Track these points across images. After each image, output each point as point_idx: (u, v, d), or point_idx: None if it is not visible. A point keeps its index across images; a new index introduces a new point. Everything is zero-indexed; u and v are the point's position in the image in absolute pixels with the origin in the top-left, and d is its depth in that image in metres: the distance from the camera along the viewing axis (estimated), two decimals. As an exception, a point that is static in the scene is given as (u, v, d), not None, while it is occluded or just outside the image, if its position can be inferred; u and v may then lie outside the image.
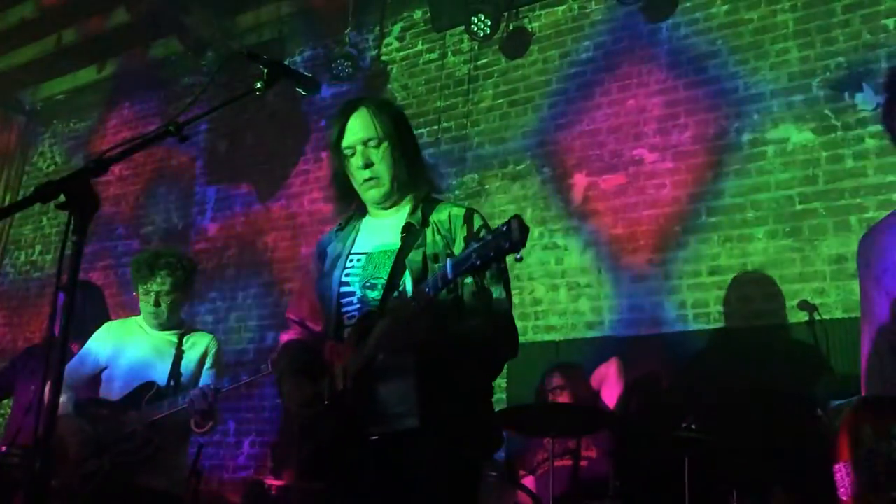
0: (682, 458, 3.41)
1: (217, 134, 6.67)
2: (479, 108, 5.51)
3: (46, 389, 1.45)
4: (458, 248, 2.15)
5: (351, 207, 2.42)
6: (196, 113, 1.95)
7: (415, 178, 2.35)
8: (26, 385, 4.13)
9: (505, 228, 1.77)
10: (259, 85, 1.89)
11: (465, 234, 2.17)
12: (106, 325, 3.66)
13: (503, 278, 2.21)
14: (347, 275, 2.27)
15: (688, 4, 4.93)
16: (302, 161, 6.19)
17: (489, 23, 5.28)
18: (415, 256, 2.16)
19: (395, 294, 2.10)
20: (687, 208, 4.60)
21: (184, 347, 3.51)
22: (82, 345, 3.58)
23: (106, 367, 3.49)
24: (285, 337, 2.48)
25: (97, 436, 3.26)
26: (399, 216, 2.31)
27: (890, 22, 4.31)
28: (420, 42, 5.95)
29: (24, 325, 7.10)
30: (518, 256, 1.79)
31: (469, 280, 2.08)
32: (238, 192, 6.43)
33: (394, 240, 2.25)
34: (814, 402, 3.34)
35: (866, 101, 4.24)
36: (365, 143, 2.27)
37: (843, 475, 2.09)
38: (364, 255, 2.28)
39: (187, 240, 6.49)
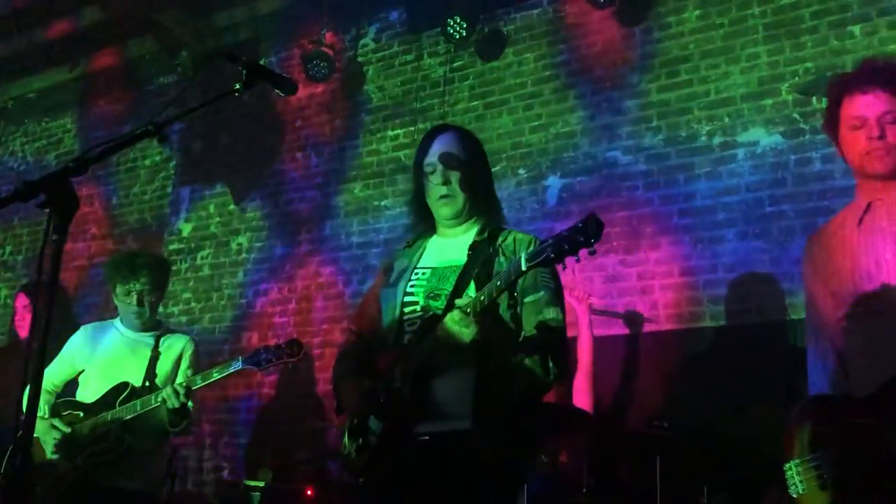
0: (653, 456, 3.46)
1: (191, 134, 6.63)
2: (454, 109, 5.54)
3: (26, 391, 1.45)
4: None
5: (423, 227, 2.52)
6: (173, 113, 1.96)
7: (485, 205, 2.47)
8: None
9: (581, 224, 1.85)
10: (238, 86, 1.90)
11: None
12: (82, 328, 3.65)
13: (557, 301, 2.30)
14: (413, 286, 2.35)
15: (661, 9, 5.00)
16: (277, 161, 6.18)
17: (465, 25, 5.32)
18: (480, 273, 2.24)
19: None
20: (659, 210, 4.67)
21: (160, 349, 3.51)
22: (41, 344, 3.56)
23: (83, 370, 3.49)
24: (346, 346, 2.57)
25: (72, 437, 3.25)
26: (467, 236, 2.41)
27: (856, 28, 4.41)
28: (396, 43, 5.97)
29: (-6, 325, 7.01)
30: (591, 251, 1.86)
31: (529, 299, 2.23)
32: (212, 192, 6.41)
33: (460, 256, 2.34)
34: (788, 399, 3.40)
35: (833, 106, 4.32)
36: (446, 163, 2.39)
37: (792, 474, 2.15)
38: (430, 269, 2.37)
39: (161, 240, 6.45)
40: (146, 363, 3.46)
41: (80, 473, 3.19)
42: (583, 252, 1.88)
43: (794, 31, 4.56)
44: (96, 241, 6.78)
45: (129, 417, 3.26)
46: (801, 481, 2.13)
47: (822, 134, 4.33)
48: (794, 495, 2.14)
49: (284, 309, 5.77)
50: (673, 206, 4.64)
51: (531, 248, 2.00)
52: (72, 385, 3.53)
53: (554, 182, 5.05)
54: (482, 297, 2.03)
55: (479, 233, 2.41)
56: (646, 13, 5.04)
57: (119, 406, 3.30)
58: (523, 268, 1.95)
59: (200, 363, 3.63)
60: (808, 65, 4.48)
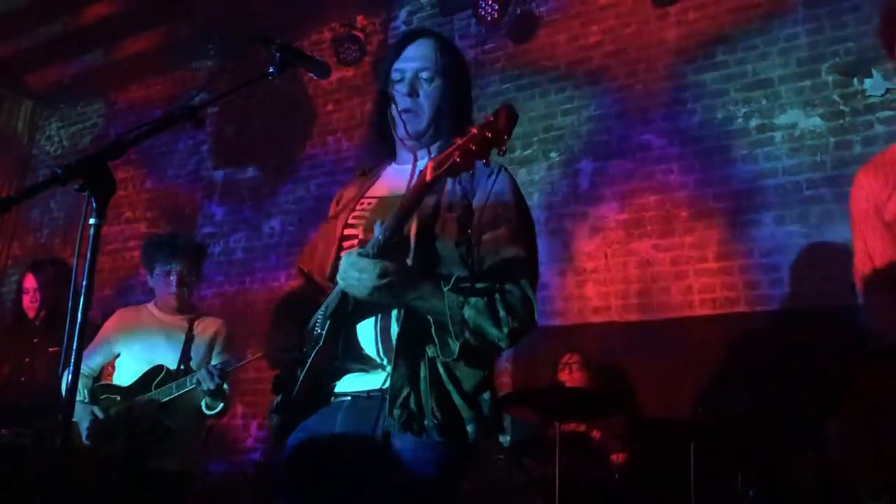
0: (688, 442, 3.43)
1: (224, 118, 6.66)
2: (485, 92, 5.49)
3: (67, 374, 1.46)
4: (476, 200, 1.91)
5: (382, 152, 2.16)
6: (208, 97, 1.95)
7: (454, 131, 1.98)
8: (1, 367, 3.96)
9: (491, 118, 1.55)
10: (272, 70, 1.89)
11: (488, 187, 1.93)
12: (118, 312, 3.69)
13: (524, 236, 1.90)
14: (355, 217, 2.03)
15: (696, -12, 4.91)
16: (308, 145, 6.19)
17: (497, 7, 5.27)
18: (427, 201, 1.84)
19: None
20: (694, 194, 4.60)
21: (194, 332, 3.54)
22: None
23: (119, 354, 3.53)
24: (286, 289, 2.24)
25: (109, 421, 3.29)
26: (424, 163, 1.94)
27: (900, 7, 4.30)
28: (427, 26, 5.93)
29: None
30: (502, 150, 1.55)
31: (487, 237, 1.84)
32: (245, 177, 6.44)
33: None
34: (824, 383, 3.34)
35: (875, 87, 4.23)
36: (417, 72, 2.04)
37: None
38: (376, 199, 2.04)
39: (194, 224, 6.51)
40: (181, 346, 3.49)
41: (118, 456, 3.23)
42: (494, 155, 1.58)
43: (836, 10, 4.45)
44: (130, 225, 6.86)
45: (165, 400, 3.29)
46: None
47: (863, 116, 4.24)
48: None
49: (316, 292, 5.79)
50: (708, 189, 4.57)
51: (438, 153, 1.64)
52: (108, 368, 3.57)
53: (586, 165, 4.99)
54: (386, 232, 1.71)
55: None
56: (681, -7, 4.95)
57: (155, 389, 3.34)
58: (427, 178, 1.62)
59: (234, 346, 3.66)
60: (850, 44, 4.37)
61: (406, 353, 1.78)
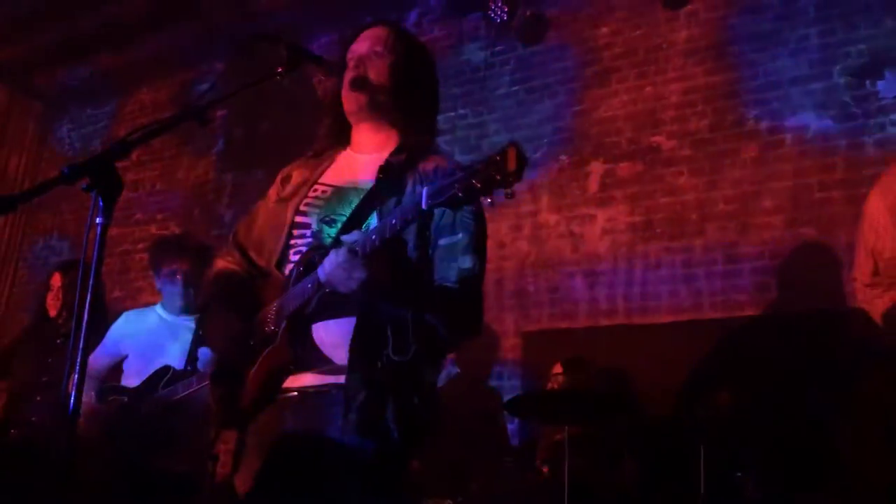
0: (698, 445, 3.41)
1: (233, 120, 6.68)
2: (495, 94, 5.49)
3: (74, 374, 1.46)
4: None
5: (336, 138, 2.11)
6: (215, 97, 1.96)
7: (411, 117, 2.03)
8: (23, 366, 4.04)
9: (499, 157, 1.47)
10: (280, 69, 1.89)
11: None
12: (124, 315, 3.71)
13: (479, 247, 1.88)
14: (307, 204, 1.96)
15: (707, -10, 4.89)
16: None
17: (506, 9, 5.25)
18: (387, 199, 1.85)
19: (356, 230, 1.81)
20: (704, 196, 4.58)
21: (201, 332, 3.53)
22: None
23: (126, 356, 3.54)
24: (221, 263, 2.12)
25: (117, 423, 3.30)
26: (382, 154, 1.97)
27: (913, 8, 4.27)
28: (436, 28, 5.93)
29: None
30: (508, 192, 1.48)
31: (444, 242, 1.83)
32: (254, 179, 6.44)
33: (369, 178, 1.92)
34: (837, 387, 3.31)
35: (888, 89, 4.20)
36: (369, 51, 1.99)
37: None
38: (331, 188, 1.97)
39: (204, 226, 6.52)
40: (187, 347, 3.49)
41: (126, 457, 3.24)
42: (499, 195, 1.50)
43: (847, 11, 4.42)
44: (140, 227, 6.87)
45: (172, 400, 3.29)
46: None
47: (875, 118, 4.21)
48: None
49: (324, 294, 5.79)
50: (718, 192, 4.54)
51: (439, 181, 1.57)
52: (116, 371, 3.58)
53: (596, 168, 4.97)
54: (373, 237, 1.67)
55: (396, 152, 1.96)
56: (692, -5, 4.93)
57: (162, 390, 3.34)
58: (423, 205, 1.56)
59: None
60: (861, 46, 4.34)
61: (362, 354, 1.76)
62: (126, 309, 3.89)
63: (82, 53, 7.11)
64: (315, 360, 1.82)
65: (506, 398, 4.22)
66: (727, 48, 4.74)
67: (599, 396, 3.87)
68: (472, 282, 1.86)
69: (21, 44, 7.00)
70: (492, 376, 4.89)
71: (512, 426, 4.58)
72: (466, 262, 1.85)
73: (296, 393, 1.83)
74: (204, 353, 2.09)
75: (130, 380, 3.46)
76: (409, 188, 1.87)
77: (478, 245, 1.88)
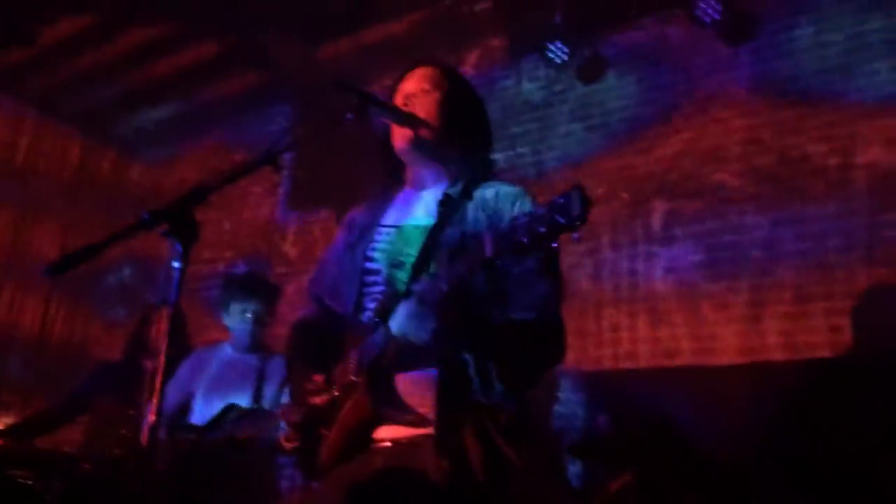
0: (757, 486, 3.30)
1: (298, 161, 6.82)
2: (554, 133, 5.50)
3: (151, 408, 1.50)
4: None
5: (392, 179, 2.18)
6: (287, 142, 2.01)
7: (463, 151, 2.04)
8: (103, 401, 4.17)
9: (562, 200, 1.45)
10: (350, 115, 1.93)
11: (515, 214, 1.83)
12: (193, 353, 3.78)
13: (553, 271, 1.86)
14: (373, 249, 1.98)
15: (771, 27, 4.83)
16: (380, 185, 6.27)
17: (566, 49, 5.28)
18: (451, 233, 1.84)
19: (424, 275, 1.80)
20: (771, 234, 4.48)
21: (267, 371, 3.59)
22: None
23: (195, 393, 3.61)
24: (302, 315, 2.19)
25: (184, 460, 3.35)
26: (438, 189, 1.99)
27: None
28: (496, 69, 5.99)
29: (116, 345, 7.36)
30: (576, 236, 1.46)
31: (517, 270, 1.80)
32: (318, 217, 6.56)
33: (428, 215, 1.94)
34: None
35: (963, 123, 4.08)
36: (416, 91, 2.05)
37: None
38: (394, 229, 1.99)
39: (269, 264, 6.65)
40: (254, 384, 3.55)
41: (192, 494, 3.28)
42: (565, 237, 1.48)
43: (918, 45, 4.33)
44: (207, 265, 7.04)
45: (238, 438, 3.34)
46: None
47: (950, 153, 4.08)
48: None
49: (386, 332, 5.82)
50: (786, 230, 4.45)
51: (502, 227, 1.55)
52: (185, 408, 3.65)
53: (659, 206, 4.93)
54: (442, 286, 1.65)
55: (453, 184, 1.97)
56: (754, 31, 4.88)
57: (227, 426, 3.39)
58: (488, 253, 1.54)
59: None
60: (934, 80, 4.24)
61: (449, 402, 1.75)
62: (193, 346, 3.97)
63: (155, 98, 7.38)
64: (402, 411, 1.80)
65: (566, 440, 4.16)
66: (792, 84, 4.67)
67: (668, 438, 3.79)
68: (550, 308, 1.84)
69: (97, 90, 7.30)
70: (552, 416, 4.83)
71: (573, 468, 4.50)
72: (541, 287, 1.83)
73: (389, 444, 1.82)
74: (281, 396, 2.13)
75: (198, 417, 3.52)
76: (470, 216, 1.88)
77: (551, 268, 1.87)
